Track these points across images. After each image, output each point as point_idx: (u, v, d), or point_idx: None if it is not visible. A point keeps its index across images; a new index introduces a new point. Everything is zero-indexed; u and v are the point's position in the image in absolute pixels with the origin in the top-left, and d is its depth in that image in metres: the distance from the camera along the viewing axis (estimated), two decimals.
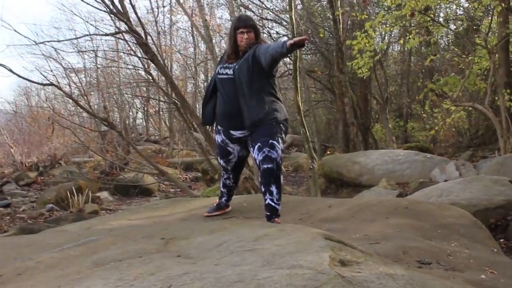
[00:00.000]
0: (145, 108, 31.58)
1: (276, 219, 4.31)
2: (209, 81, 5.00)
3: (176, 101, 14.27)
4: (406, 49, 22.17)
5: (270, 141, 4.30)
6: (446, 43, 20.77)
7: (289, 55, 5.87)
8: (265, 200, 4.35)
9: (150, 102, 28.81)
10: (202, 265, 2.65)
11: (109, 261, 2.95)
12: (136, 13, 8.32)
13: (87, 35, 10.20)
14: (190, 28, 28.18)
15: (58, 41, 13.15)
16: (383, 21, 10.82)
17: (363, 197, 9.38)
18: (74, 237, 3.77)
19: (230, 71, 4.51)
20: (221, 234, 3.28)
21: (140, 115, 33.95)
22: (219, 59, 5.44)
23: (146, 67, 13.61)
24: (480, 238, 4.47)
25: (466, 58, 15.49)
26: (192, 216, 5.04)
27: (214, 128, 4.89)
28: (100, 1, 6.87)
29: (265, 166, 4.28)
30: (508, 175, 8.43)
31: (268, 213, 4.33)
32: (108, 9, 7.00)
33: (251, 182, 8.24)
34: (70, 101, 22.94)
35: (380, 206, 4.89)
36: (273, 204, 4.31)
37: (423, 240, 4.00)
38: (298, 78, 10.30)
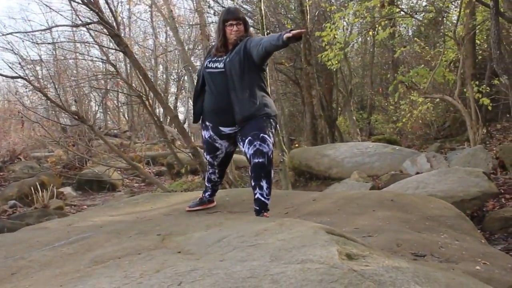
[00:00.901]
0: (103, 101, 31.07)
1: (265, 213, 4.26)
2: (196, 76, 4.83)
3: (141, 94, 14.13)
4: (369, 41, 22.41)
5: (261, 135, 4.24)
6: (410, 35, 20.98)
7: None
8: (255, 194, 4.29)
9: (109, 95, 28.40)
10: (207, 261, 2.60)
11: (108, 259, 2.89)
12: (107, 3, 8.16)
13: (58, 25, 9.95)
14: (149, 19, 28.01)
15: (27, 32, 12.71)
16: (352, 13, 10.84)
17: (335, 190, 9.41)
18: (63, 235, 3.66)
19: (220, 65, 4.41)
20: (218, 229, 3.23)
21: (96, 108, 33.35)
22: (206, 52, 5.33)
23: (108, 58, 13.40)
24: (466, 229, 4.51)
25: (432, 50, 15.74)
26: (175, 211, 4.97)
27: (200, 123, 4.78)
28: None
29: (256, 160, 4.22)
30: (479, 167, 8.58)
31: (257, 208, 4.27)
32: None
33: (226, 177, 8.17)
34: (27, 95, 22.64)
35: (365, 199, 4.90)
36: (262, 199, 4.25)
37: (413, 233, 4.02)
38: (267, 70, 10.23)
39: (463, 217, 4.86)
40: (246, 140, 4.28)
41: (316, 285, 2.17)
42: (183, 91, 31.88)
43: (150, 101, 12.57)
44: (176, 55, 30.19)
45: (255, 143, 4.22)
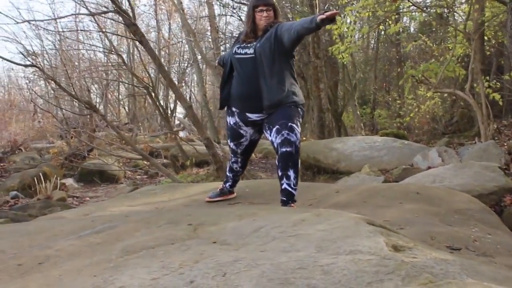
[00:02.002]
0: (105, 93, 30.95)
1: (292, 204, 4.16)
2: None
3: (148, 85, 14.01)
4: (373, 35, 22.31)
5: (289, 123, 4.15)
6: (413, 31, 20.89)
7: None
8: (282, 184, 4.19)
9: (110, 86, 28.25)
10: (248, 252, 2.50)
11: (140, 248, 2.78)
12: None
13: (72, 14, 9.79)
14: (153, 13, 27.83)
15: (42, 20, 12.60)
16: (362, 6, 10.72)
17: (347, 183, 9.30)
18: (88, 224, 3.55)
19: (250, 50, 4.33)
20: (251, 219, 3.12)
21: (97, 100, 33.18)
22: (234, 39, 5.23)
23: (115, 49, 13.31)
24: (495, 223, 4.42)
25: (437, 46, 15.64)
26: (194, 202, 4.88)
27: (226, 110, 4.68)
28: None
29: (284, 149, 4.12)
30: (491, 161, 8.47)
31: (284, 198, 4.17)
32: None
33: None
34: (26, 86, 22.45)
35: (390, 191, 4.80)
36: (290, 189, 4.16)
37: (444, 226, 3.92)
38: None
39: (489, 211, 4.77)
40: (274, 129, 4.19)
41: (372, 277, 2.08)
42: (188, 83, 31.78)
43: (156, 92, 12.56)
44: (178, 48, 30.06)
45: (283, 132, 4.13)
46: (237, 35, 5.03)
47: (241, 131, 4.56)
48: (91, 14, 8.52)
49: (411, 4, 11.47)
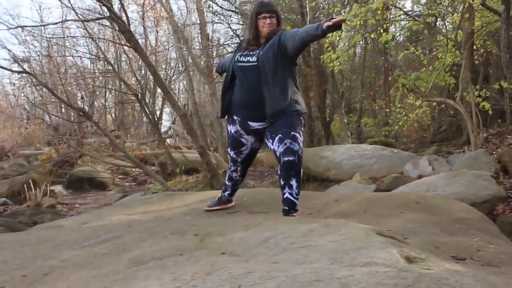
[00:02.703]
0: (93, 100, 30.75)
1: (294, 214, 4.14)
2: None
3: (137, 92, 13.97)
4: (361, 44, 22.38)
5: (292, 132, 4.13)
6: (404, 39, 20.99)
7: None
8: (284, 194, 4.16)
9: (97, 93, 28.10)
10: (259, 263, 2.47)
11: (148, 259, 2.74)
12: None
13: (68, 20, 9.75)
14: (141, 20, 27.74)
15: (40, 25, 12.50)
16: (354, 15, 10.75)
17: (338, 192, 9.30)
18: (90, 233, 3.50)
19: (252, 58, 4.31)
20: (258, 229, 3.09)
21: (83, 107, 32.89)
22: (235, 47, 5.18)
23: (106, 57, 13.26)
24: (495, 232, 4.44)
25: (428, 54, 15.75)
26: (194, 211, 4.84)
27: (227, 118, 4.65)
28: None
29: (286, 158, 4.10)
30: (481, 170, 8.51)
31: (286, 208, 4.14)
32: None
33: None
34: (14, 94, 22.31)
35: (390, 201, 4.80)
36: (292, 198, 4.13)
37: (446, 235, 3.92)
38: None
39: (488, 220, 4.80)
40: (276, 138, 4.17)
41: None
42: (175, 91, 31.70)
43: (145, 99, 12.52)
44: (164, 55, 29.96)
45: (286, 141, 4.11)
46: (236, 44, 4.99)
47: (242, 140, 4.53)
48: (85, 21, 8.47)
49: (403, 13, 11.54)
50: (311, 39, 4.14)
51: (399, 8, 11.11)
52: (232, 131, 4.56)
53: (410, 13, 13.60)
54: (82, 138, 17.39)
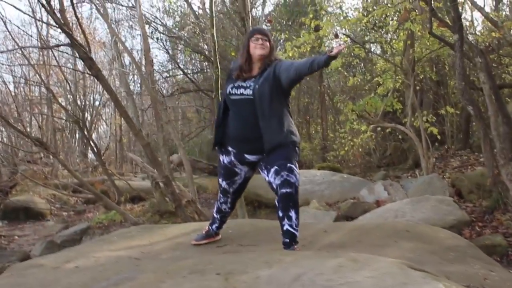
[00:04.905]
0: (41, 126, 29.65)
1: (295, 246, 4.04)
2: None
3: (78, 119, 13.56)
4: None
5: (288, 164, 4.04)
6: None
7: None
8: (283, 226, 4.06)
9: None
10: None
11: None
12: (80, 24, 7.71)
13: (26, 47, 9.29)
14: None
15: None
16: (305, 42, 10.85)
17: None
18: (97, 274, 3.29)
19: (246, 91, 4.17)
20: (282, 266, 2.98)
21: None
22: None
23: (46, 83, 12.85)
24: (486, 259, 4.48)
25: (365, 80, 16.08)
26: (180, 245, 4.65)
27: (218, 147, 4.49)
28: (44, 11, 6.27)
29: (284, 190, 4.01)
30: (435, 194, 8.69)
31: (287, 240, 4.04)
32: (54, 21, 6.35)
33: (194, 206, 7.84)
34: None
35: (380, 230, 4.77)
36: (292, 230, 4.04)
37: (449, 264, 3.92)
38: (219, 97, 10.08)
39: (474, 246, 4.83)
40: (272, 170, 4.07)
41: None
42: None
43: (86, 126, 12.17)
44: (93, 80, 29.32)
45: (282, 173, 4.02)
46: (227, 74, 4.83)
47: (236, 169, 4.41)
48: (44, 48, 8.14)
49: (351, 40, 11.75)
50: (310, 73, 4.06)
51: (346, 35, 11.28)
52: (226, 161, 4.43)
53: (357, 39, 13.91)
54: (15, 166, 16.68)
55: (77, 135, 28.26)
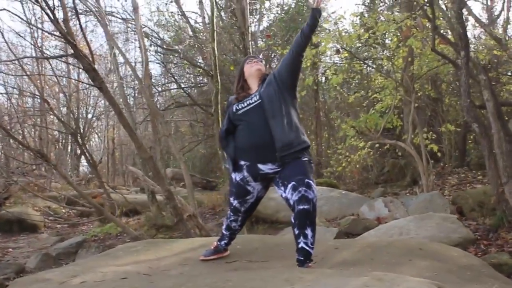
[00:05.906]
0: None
1: (310, 264, 3.96)
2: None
3: (76, 132, 13.41)
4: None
5: (306, 180, 3.98)
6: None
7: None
8: (298, 243, 3.98)
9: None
10: None
11: None
12: (85, 35, 7.65)
13: (28, 57, 9.19)
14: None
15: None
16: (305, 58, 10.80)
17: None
18: None
19: (252, 100, 4.21)
20: (306, 285, 2.90)
21: None
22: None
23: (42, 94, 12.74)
24: (501, 277, 4.41)
25: (362, 96, 16.04)
26: (189, 260, 4.56)
27: (231, 164, 4.41)
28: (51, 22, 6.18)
29: (301, 207, 3.94)
30: (436, 211, 8.62)
31: (302, 258, 3.95)
32: (58, 32, 6.27)
33: (196, 220, 7.72)
34: None
35: (394, 248, 4.68)
36: (307, 248, 3.95)
37: (469, 284, 3.84)
38: (219, 112, 10.04)
39: (487, 265, 4.76)
40: (289, 185, 4.00)
41: None
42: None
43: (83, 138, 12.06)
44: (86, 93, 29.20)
45: (300, 189, 3.95)
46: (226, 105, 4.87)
47: (249, 188, 4.33)
48: (46, 58, 8.04)
49: (352, 56, 11.72)
50: (304, 38, 4.11)
51: (347, 50, 11.25)
52: (238, 179, 4.34)
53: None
54: (9, 177, 16.49)
55: (69, 148, 28.16)
